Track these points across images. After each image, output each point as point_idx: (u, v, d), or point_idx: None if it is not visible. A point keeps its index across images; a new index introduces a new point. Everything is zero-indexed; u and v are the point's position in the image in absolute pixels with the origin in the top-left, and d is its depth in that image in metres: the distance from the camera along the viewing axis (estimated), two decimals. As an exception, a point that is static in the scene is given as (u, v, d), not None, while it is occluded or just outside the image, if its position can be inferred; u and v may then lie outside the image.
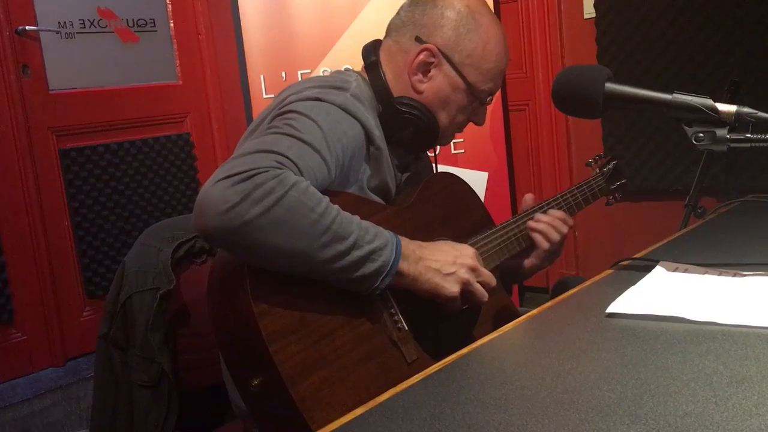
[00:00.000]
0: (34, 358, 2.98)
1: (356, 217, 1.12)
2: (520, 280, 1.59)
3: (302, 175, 1.10)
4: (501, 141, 3.31)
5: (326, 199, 1.09)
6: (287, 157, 1.10)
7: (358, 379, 1.11)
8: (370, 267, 1.11)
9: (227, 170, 1.05)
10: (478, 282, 1.25)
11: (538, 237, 1.47)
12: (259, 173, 1.04)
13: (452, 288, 1.21)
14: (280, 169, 1.07)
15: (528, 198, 1.55)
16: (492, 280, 1.28)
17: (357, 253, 1.09)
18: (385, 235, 1.14)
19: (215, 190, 1.03)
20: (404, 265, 1.16)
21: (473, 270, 1.24)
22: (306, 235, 1.05)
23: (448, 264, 1.21)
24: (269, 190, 1.03)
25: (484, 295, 1.26)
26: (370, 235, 1.12)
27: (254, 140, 1.15)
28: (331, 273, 1.09)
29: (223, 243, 1.07)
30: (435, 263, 1.20)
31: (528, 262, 1.52)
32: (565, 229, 1.49)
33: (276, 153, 1.10)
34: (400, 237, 1.17)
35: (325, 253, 1.07)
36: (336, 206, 1.10)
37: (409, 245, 1.18)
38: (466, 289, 1.23)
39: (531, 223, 1.47)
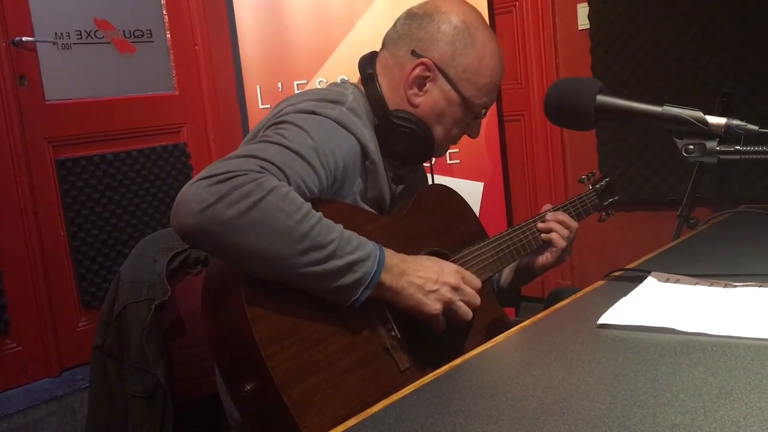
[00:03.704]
0: (29, 369, 2.97)
1: (339, 227, 1.12)
2: (532, 278, 1.61)
3: (288, 181, 1.11)
4: (496, 151, 3.32)
5: (308, 205, 1.09)
6: (272, 163, 1.10)
7: (350, 386, 1.11)
8: (349, 278, 1.10)
9: (208, 171, 1.06)
10: (461, 300, 1.24)
11: (554, 236, 1.51)
12: (238, 176, 1.05)
13: (434, 306, 1.20)
14: (260, 173, 1.07)
15: (547, 206, 1.60)
16: (476, 298, 1.27)
17: (336, 263, 1.09)
18: (369, 247, 1.14)
19: (192, 190, 1.04)
20: (387, 278, 1.15)
21: (456, 289, 1.23)
22: (282, 241, 1.05)
23: (431, 281, 1.20)
24: (246, 193, 1.03)
25: (467, 313, 1.25)
26: (351, 246, 1.11)
27: (242, 148, 1.16)
28: (308, 280, 1.09)
29: (197, 242, 1.07)
30: (418, 279, 1.19)
31: (542, 259, 1.53)
32: (573, 225, 1.54)
33: (260, 158, 1.10)
34: (385, 249, 1.17)
35: (302, 260, 1.06)
36: (318, 213, 1.10)
37: (392, 258, 1.17)
38: (448, 308, 1.23)
39: (541, 225, 1.52)
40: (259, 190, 1.04)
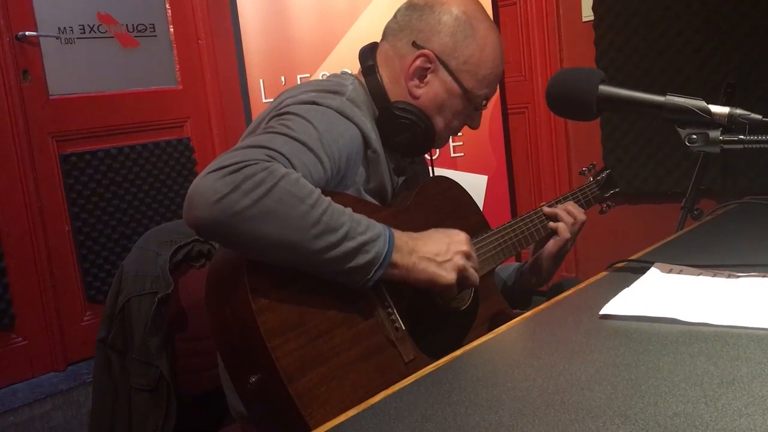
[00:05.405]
0: (34, 363, 2.99)
1: (348, 209, 1.13)
2: (545, 276, 1.58)
3: (295, 170, 1.11)
4: (500, 144, 3.32)
5: (317, 190, 1.10)
6: (280, 153, 1.11)
7: (355, 378, 1.12)
8: (363, 258, 1.11)
9: (218, 163, 1.06)
10: (471, 267, 1.26)
11: (561, 225, 1.51)
12: (249, 165, 1.05)
13: (449, 275, 1.21)
14: (269, 161, 1.07)
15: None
16: (477, 263, 1.29)
17: (349, 245, 1.09)
18: (378, 227, 1.15)
19: (205, 182, 1.04)
20: (397, 257, 1.16)
21: (467, 256, 1.25)
22: (296, 226, 1.06)
23: (442, 252, 1.21)
24: (259, 182, 1.04)
25: (476, 279, 1.27)
26: (362, 227, 1.12)
27: (249, 139, 1.16)
28: (323, 264, 1.09)
29: (213, 234, 1.08)
30: (429, 253, 1.20)
31: (547, 249, 1.52)
32: (581, 217, 1.54)
33: (268, 148, 1.11)
34: (393, 230, 1.17)
35: (316, 244, 1.07)
36: (327, 198, 1.11)
37: (401, 237, 1.18)
38: (460, 275, 1.24)
39: (548, 210, 1.53)
40: (271, 178, 1.05)
